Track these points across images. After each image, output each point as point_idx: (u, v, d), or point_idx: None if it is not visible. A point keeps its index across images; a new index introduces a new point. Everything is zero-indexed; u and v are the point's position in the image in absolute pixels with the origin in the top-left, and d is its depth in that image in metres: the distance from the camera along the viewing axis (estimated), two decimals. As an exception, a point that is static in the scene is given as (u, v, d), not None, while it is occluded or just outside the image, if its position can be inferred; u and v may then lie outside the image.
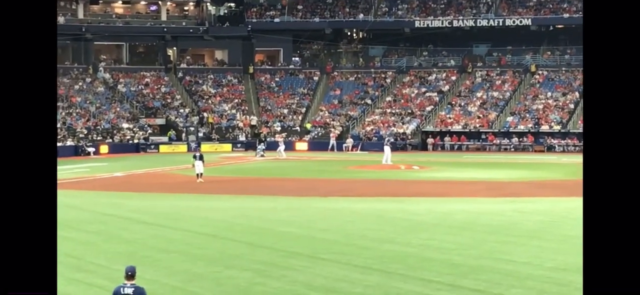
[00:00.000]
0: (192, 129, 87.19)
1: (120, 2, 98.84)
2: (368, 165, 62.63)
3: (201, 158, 49.65)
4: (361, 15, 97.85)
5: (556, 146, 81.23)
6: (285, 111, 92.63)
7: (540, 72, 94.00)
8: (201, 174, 48.77)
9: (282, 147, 76.17)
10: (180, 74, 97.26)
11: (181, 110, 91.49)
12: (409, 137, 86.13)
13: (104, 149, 79.95)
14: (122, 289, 14.47)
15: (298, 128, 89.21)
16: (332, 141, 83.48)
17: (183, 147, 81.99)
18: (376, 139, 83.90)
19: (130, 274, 14.62)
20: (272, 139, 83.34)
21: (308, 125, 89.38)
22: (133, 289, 14.44)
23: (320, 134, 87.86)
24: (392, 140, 75.81)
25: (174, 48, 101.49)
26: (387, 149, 64.11)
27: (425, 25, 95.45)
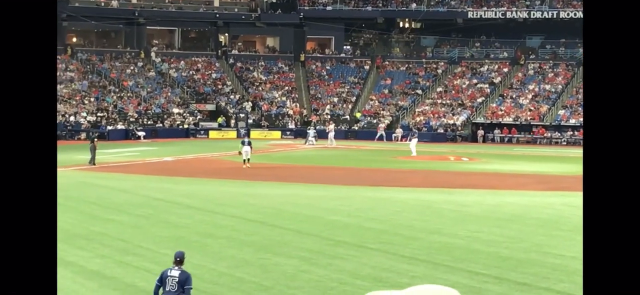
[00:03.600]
0: (242, 115, 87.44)
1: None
2: (417, 156, 62.41)
3: (249, 144, 49.81)
4: (414, 5, 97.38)
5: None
6: (335, 100, 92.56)
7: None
8: (248, 159, 48.91)
9: (332, 135, 76.22)
10: (231, 60, 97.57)
11: (231, 97, 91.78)
12: (459, 128, 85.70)
13: (154, 133, 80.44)
14: (169, 271, 14.63)
15: (347, 117, 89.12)
16: (381, 132, 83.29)
17: (232, 133, 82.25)
18: (426, 129, 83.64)
19: (179, 260, 14.75)
20: (321, 127, 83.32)
21: (358, 115, 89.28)
22: (179, 271, 14.58)
23: (367, 123, 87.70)
24: (416, 131, 74.95)
25: (226, 34, 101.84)
26: (413, 139, 63.65)
27: (478, 16, 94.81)
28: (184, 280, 14.48)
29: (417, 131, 75.01)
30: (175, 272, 14.55)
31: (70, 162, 49.02)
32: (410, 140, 64.89)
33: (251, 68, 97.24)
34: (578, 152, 71.07)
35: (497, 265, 21.99)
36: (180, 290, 14.43)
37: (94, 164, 48.93)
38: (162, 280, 14.58)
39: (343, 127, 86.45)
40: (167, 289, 14.49)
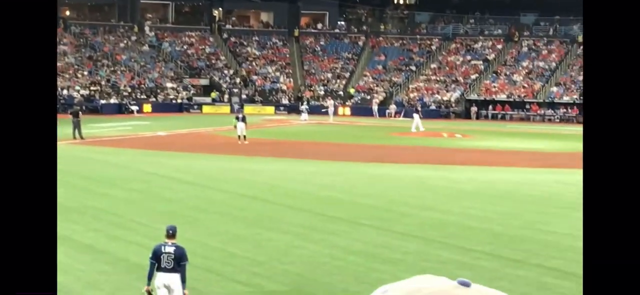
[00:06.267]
0: (235, 90, 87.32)
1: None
2: (411, 132, 62.41)
3: (244, 119, 49.73)
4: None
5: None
6: (329, 75, 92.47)
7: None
8: (245, 136, 48.87)
9: (331, 109, 76.35)
10: (225, 35, 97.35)
11: (225, 72, 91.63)
12: (453, 105, 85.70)
13: (147, 107, 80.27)
14: (163, 247, 14.58)
15: (341, 93, 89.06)
16: (374, 107, 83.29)
17: (226, 108, 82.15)
18: (420, 105, 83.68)
19: (171, 233, 14.71)
20: (316, 102, 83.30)
21: (351, 90, 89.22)
22: (174, 247, 14.54)
23: (361, 99, 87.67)
24: (419, 107, 74.84)
25: (220, 8, 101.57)
26: (416, 116, 63.84)
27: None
28: (180, 256, 14.45)
29: (418, 109, 74.97)
30: (170, 249, 14.51)
31: (62, 136, 48.92)
32: (413, 116, 64.66)
33: (245, 43, 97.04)
34: (571, 129, 71.16)
35: (490, 241, 22.02)
36: (175, 266, 14.40)
37: (82, 137, 48.76)
38: (156, 257, 14.51)
39: (337, 103, 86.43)
40: (162, 266, 14.44)
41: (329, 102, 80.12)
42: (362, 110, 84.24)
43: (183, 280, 14.45)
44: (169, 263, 14.38)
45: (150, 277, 14.54)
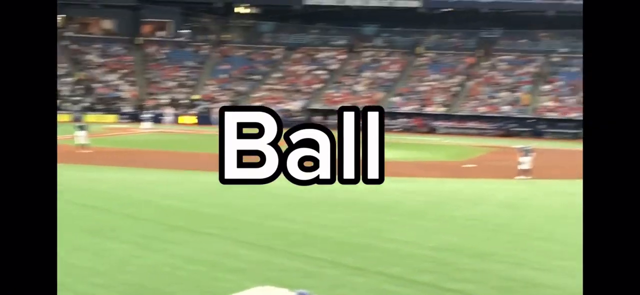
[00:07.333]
0: (76, 98, 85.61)
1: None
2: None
3: (85, 128, 48.82)
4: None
5: (440, 128, 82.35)
6: (173, 84, 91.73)
7: (427, 54, 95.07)
8: (85, 144, 47.95)
9: (170, 118, 75.67)
10: (65, 43, 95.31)
11: (66, 79, 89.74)
12: (296, 114, 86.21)
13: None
14: None
15: (185, 101, 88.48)
16: (214, 116, 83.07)
17: (66, 117, 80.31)
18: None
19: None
20: (159, 111, 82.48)
21: (196, 96, 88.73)
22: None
23: (206, 108, 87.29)
24: None
25: (63, 15, 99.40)
26: None
27: (316, 3, 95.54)
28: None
29: None
30: None
31: None
32: None
33: (86, 50, 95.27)
34: (412, 138, 72.58)
35: (332, 249, 22.17)
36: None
37: None
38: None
39: (181, 111, 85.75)
40: None
41: (168, 111, 79.54)
42: (207, 118, 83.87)
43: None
44: None
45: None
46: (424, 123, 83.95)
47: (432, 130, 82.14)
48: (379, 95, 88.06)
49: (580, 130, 77.00)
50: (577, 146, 73.10)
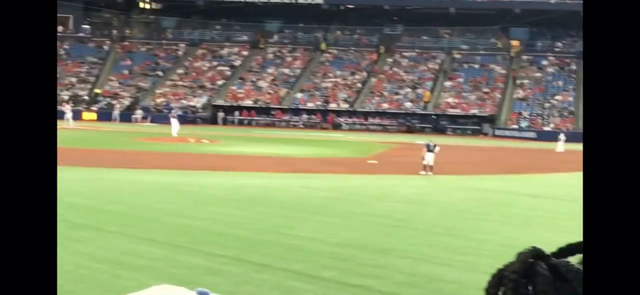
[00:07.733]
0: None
1: None
2: (157, 137, 61.99)
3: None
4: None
5: (343, 124, 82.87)
6: (74, 80, 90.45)
7: (330, 50, 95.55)
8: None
9: (69, 115, 74.53)
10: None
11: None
12: (199, 110, 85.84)
13: None
14: None
15: (87, 97, 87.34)
16: (116, 112, 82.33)
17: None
18: (166, 111, 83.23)
19: None
20: (59, 107, 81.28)
21: (98, 90, 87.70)
22: None
23: (107, 104, 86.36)
24: (180, 112, 75.23)
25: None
26: (174, 121, 64.28)
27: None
28: None
29: (178, 111, 74.47)
30: None
31: None
32: (171, 122, 64.55)
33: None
34: (315, 134, 72.87)
35: (236, 246, 22.16)
36: None
37: None
38: None
39: (82, 108, 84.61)
40: None
41: (67, 107, 78.45)
42: (108, 115, 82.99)
43: None
44: None
45: None
46: (327, 119, 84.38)
47: (336, 127, 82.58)
48: (282, 91, 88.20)
49: (479, 127, 78.04)
50: (478, 142, 74.37)
